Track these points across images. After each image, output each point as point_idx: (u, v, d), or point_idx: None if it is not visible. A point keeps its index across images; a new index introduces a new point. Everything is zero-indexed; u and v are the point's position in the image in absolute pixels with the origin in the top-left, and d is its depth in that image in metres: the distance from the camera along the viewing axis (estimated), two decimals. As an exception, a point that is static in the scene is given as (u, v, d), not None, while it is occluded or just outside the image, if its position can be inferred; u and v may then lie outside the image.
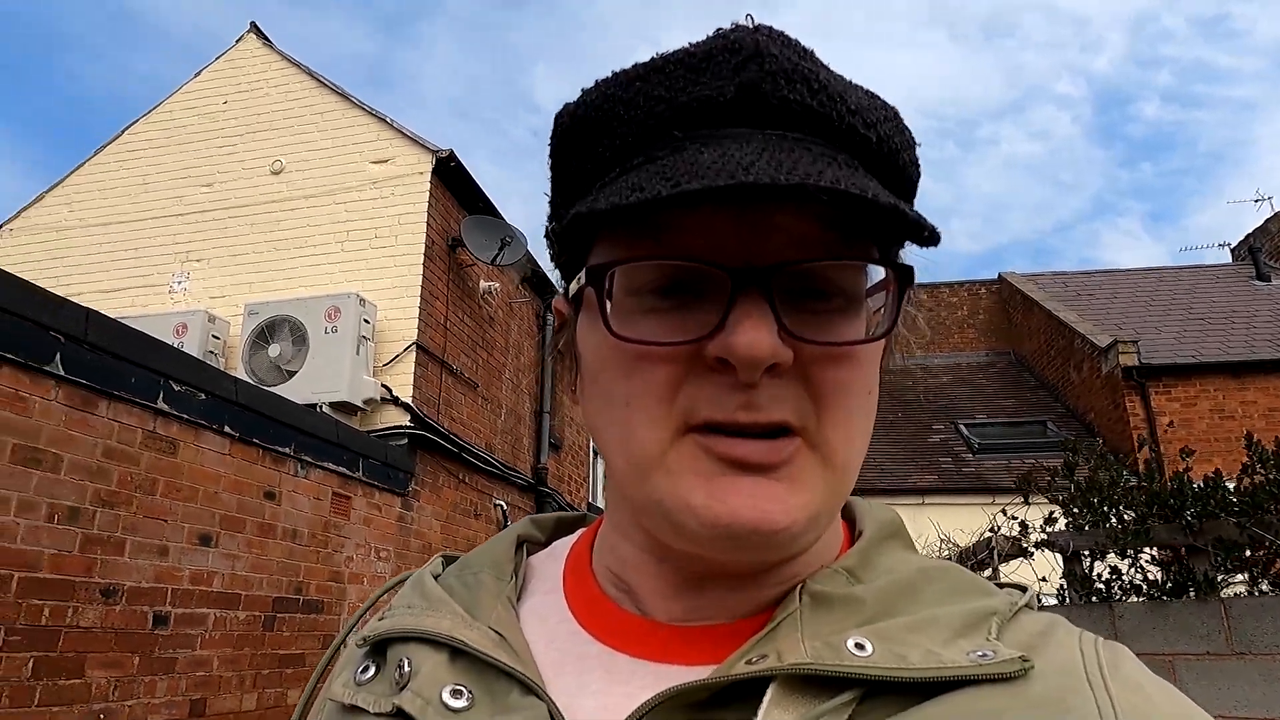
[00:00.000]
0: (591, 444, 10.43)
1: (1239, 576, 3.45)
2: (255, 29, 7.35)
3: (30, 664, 2.96)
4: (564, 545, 0.58)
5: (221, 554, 3.90)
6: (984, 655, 0.41)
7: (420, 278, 6.09)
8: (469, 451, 6.48)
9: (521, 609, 0.52)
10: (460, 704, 0.44)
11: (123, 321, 4.36)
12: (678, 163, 0.39)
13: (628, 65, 0.45)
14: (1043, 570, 4.03)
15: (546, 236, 0.51)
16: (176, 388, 3.70)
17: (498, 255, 6.51)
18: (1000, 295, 15.25)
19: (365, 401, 5.59)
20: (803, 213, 0.41)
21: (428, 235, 6.24)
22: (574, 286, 0.47)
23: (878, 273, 0.44)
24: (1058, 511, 3.95)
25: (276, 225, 6.55)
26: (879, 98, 0.47)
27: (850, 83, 0.45)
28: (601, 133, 0.44)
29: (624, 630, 0.48)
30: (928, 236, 0.40)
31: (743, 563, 0.45)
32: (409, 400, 5.77)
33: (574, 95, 0.48)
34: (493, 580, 0.53)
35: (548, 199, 0.51)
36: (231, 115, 7.08)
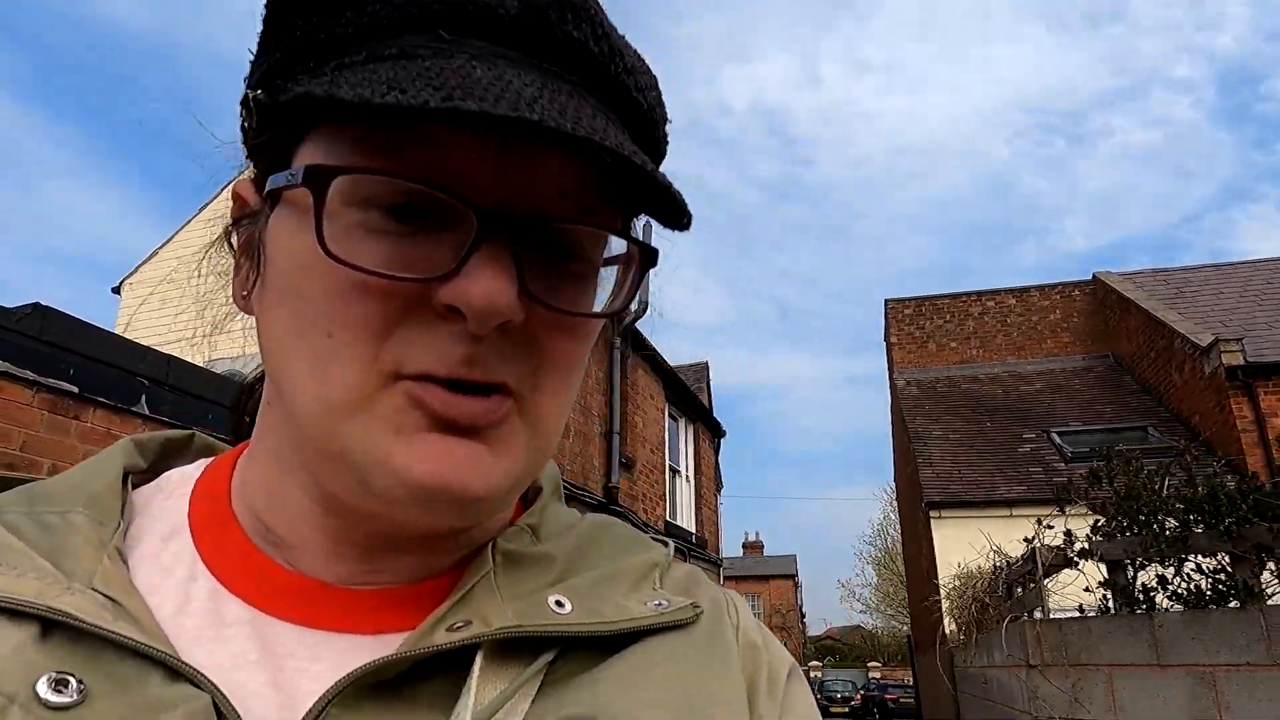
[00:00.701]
0: (668, 462, 10.62)
1: (1290, 584, 3.31)
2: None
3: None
4: (181, 477, 0.48)
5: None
6: (659, 604, 0.44)
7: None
8: (535, 473, 6.78)
9: (131, 558, 0.41)
10: (65, 698, 0.33)
11: (221, 360, 4.84)
12: (446, 71, 0.34)
13: None
14: (1097, 579, 3.95)
15: (244, 105, 0.41)
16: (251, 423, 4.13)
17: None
18: (1095, 296, 14.59)
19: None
20: (561, 160, 0.37)
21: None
22: (277, 181, 0.39)
23: (618, 245, 0.42)
24: (1103, 520, 3.87)
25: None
26: (646, 63, 0.44)
27: (625, 40, 0.42)
28: (351, 2, 0.37)
29: (277, 590, 0.41)
30: (685, 223, 0.39)
31: (428, 526, 0.40)
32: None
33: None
34: (89, 523, 0.41)
35: (251, 58, 0.42)
36: (314, 168, 7.73)
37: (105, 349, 3.46)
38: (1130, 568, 3.72)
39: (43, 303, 3.22)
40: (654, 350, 10.14)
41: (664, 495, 10.26)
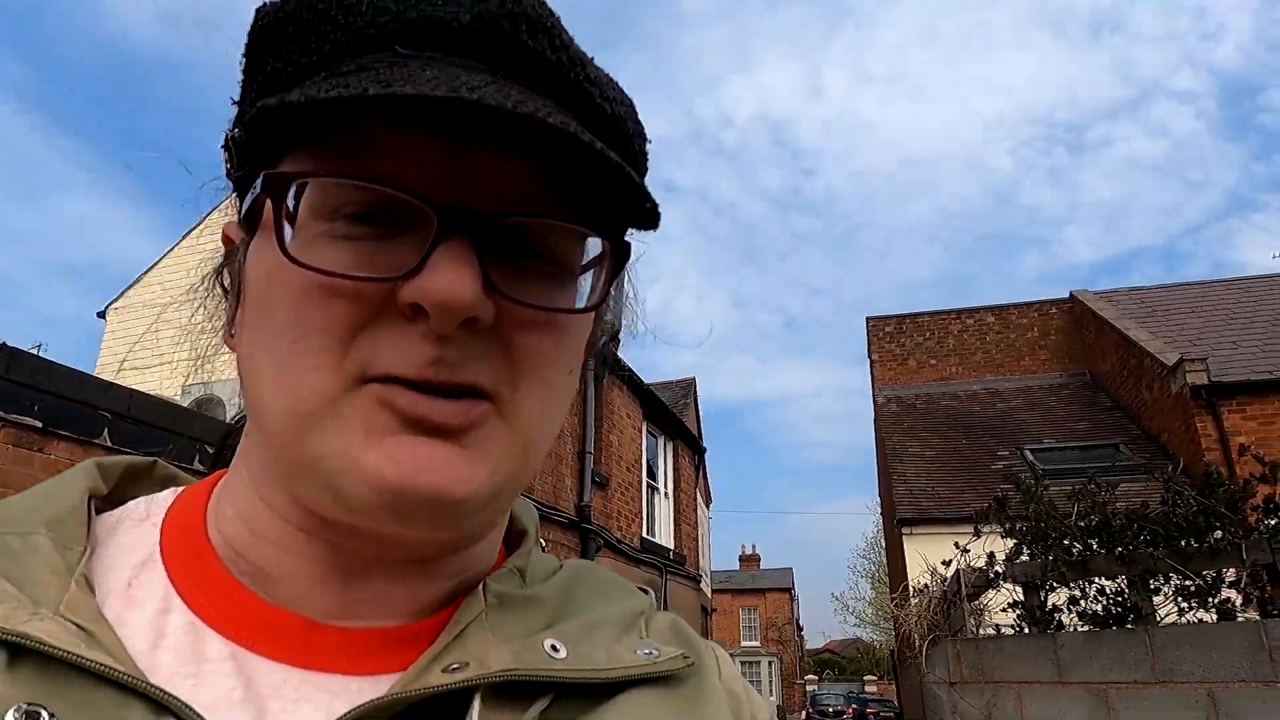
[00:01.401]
0: (645, 480, 10.83)
1: (1185, 605, 3.52)
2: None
3: None
4: (150, 506, 0.46)
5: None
6: (649, 653, 0.43)
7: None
8: (503, 493, 7.00)
9: (99, 588, 0.39)
10: None
11: (200, 385, 5.02)
12: (394, 73, 0.35)
13: None
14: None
15: (225, 146, 0.43)
16: (211, 450, 4.35)
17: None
18: (1073, 314, 14.81)
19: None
20: (521, 165, 0.38)
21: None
22: (248, 201, 0.41)
23: (595, 249, 0.42)
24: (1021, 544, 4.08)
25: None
26: (616, 83, 0.44)
27: (592, 60, 0.42)
28: (309, 33, 0.39)
29: (259, 625, 0.39)
30: (650, 209, 0.38)
31: (411, 540, 0.39)
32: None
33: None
34: (54, 547, 0.39)
35: (234, 105, 0.44)
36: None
37: (69, 385, 3.68)
38: (1041, 590, 3.92)
39: (9, 343, 3.45)
40: (630, 370, 10.36)
41: (640, 512, 10.45)
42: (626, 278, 0.50)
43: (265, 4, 0.40)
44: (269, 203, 0.37)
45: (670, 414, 11.70)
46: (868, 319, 16.60)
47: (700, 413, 17.26)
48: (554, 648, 0.40)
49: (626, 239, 0.42)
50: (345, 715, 0.35)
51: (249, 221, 0.41)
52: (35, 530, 0.39)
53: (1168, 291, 13.76)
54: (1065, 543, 3.79)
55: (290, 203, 0.37)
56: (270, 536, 0.41)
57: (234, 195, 0.46)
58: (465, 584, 0.44)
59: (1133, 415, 12.21)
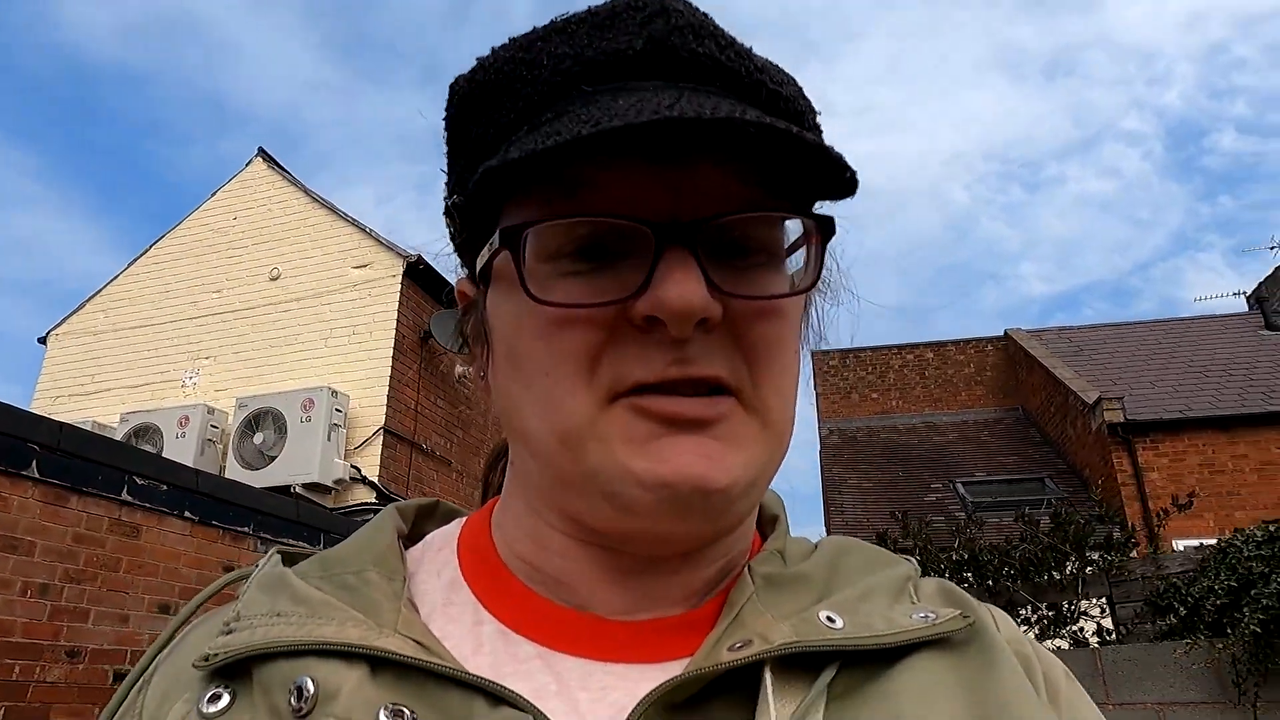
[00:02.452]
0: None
1: (1046, 635, 3.83)
2: (263, 153, 8.45)
3: (2, 712, 3.70)
4: (444, 537, 0.52)
5: (180, 620, 4.63)
6: (925, 616, 0.42)
7: (389, 368, 6.89)
8: (438, 523, 7.17)
9: (421, 609, 0.45)
10: None
11: (138, 413, 5.12)
12: (592, 110, 0.37)
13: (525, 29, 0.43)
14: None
15: (446, 214, 0.48)
16: (140, 481, 4.49)
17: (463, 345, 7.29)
18: (1007, 352, 15.40)
19: (335, 482, 6.35)
20: (722, 169, 0.40)
21: (398, 331, 7.07)
22: (483, 257, 0.44)
23: (796, 230, 0.44)
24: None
25: (272, 325, 7.50)
26: (781, 67, 0.46)
27: (751, 49, 0.45)
28: (504, 95, 0.43)
29: (560, 628, 0.44)
30: (849, 179, 0.40)
31: (680, 536, 0.42)
32: (375, 480, 6.51)
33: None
34: (383, 580, 0.45)
35: (444, 175, 0.48)
36: (240, 229, 8.14)
37: (-1, 418, 3.83)
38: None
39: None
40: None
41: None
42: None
43: (457, 79, 0.45)
44: (504, 254, 0.41)
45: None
46: (813, 353, 16.85)
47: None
48: (830, 619, 0.42)
49: (829, 215, 0.44)
50: (650, 693, 0.38)
51: (483, 276, 0.46)
52: (365, 568, 0.46)
53: (1095, 331, 14.39)
54: (945, 575, 4.10)
55: (523, 248, 0.40)
56: (555, 549, 0.45)
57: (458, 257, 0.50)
58: (728, 571, 0.46)
59: (1059, 450, 12.72)
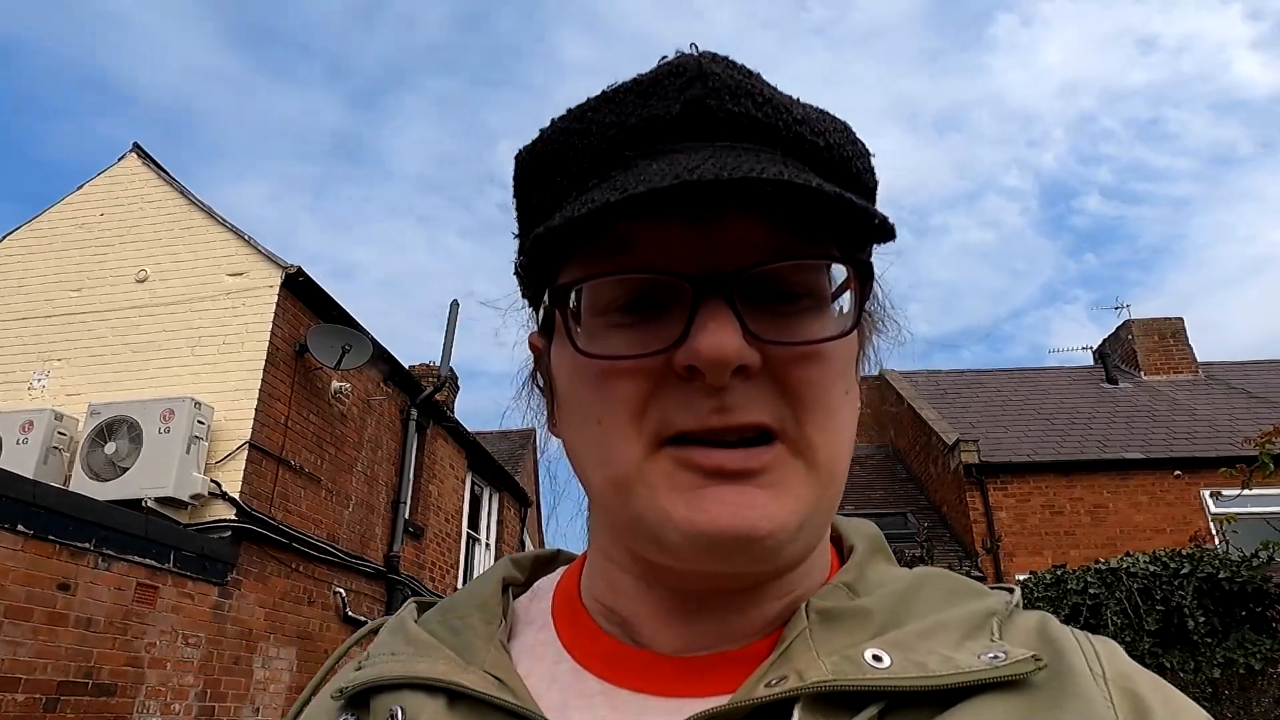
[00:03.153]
0: (466, 530, 10.92)
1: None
2: (137, 149, 8.10)
3: None
4: (548, 583, 0.57)
5: (3, 641, 4.36)
6: (995, 657, 0.41)
7: (260, 381, 6.70)
8: (302, 541, 6.97)
9: (513, 650, 0.50)
10: None
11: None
12: (628, 176, 0.41)
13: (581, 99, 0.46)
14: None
15: (516, 273, 0.52)
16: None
17: (340, 360, 7.17)
18: (881, 391, 16.23)
19: (192, 497, 6.10)
20: (754, 219, 0.42)
21: (272, 343, 6.88)
22: (541, 313, 0.50)
23: (841, 274, 0.45)
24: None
25: (135, 330, 7.16)
26: (829, 113, 0.47)
27: (797, 100, 0.46)
28: (558, 163, 0.46)
29: (624, 664, 0.47)
30: (879, 225, 0.40)
31: (731, 577, 0.44)
32: (236, 496, 6.30)
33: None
34: (481, 623, 0.51)
35: (515, 238, 0.52)
36: (106, 226, 7.75)
37: None
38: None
39: None
40: (456, 421, 10.51)
41: (457, 563, 10.52)
42: (880, 292, 0.54)
43: (520, 150, 0.49)
44: (558, 312, 0.45)
45: (496, 465, 11.88)
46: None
47: (539, 465, 17.44)
48: (876, 657, 0.41)
49: (868, 259, 0.46)
50: None
51: (546, 329, 0.51)
52: (470, 613, 0.52)
53: (961, 375, 15.34)
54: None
55: (573, 306, 0.44)
56: (624, 591, 0.48)
57: (530, 309, 0.55)
58: (794, 605, 0.46)
59: (922, 487, 13.48)
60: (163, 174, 8.00)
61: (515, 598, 0.56)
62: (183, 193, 7.82)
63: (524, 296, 0.54)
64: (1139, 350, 14.66)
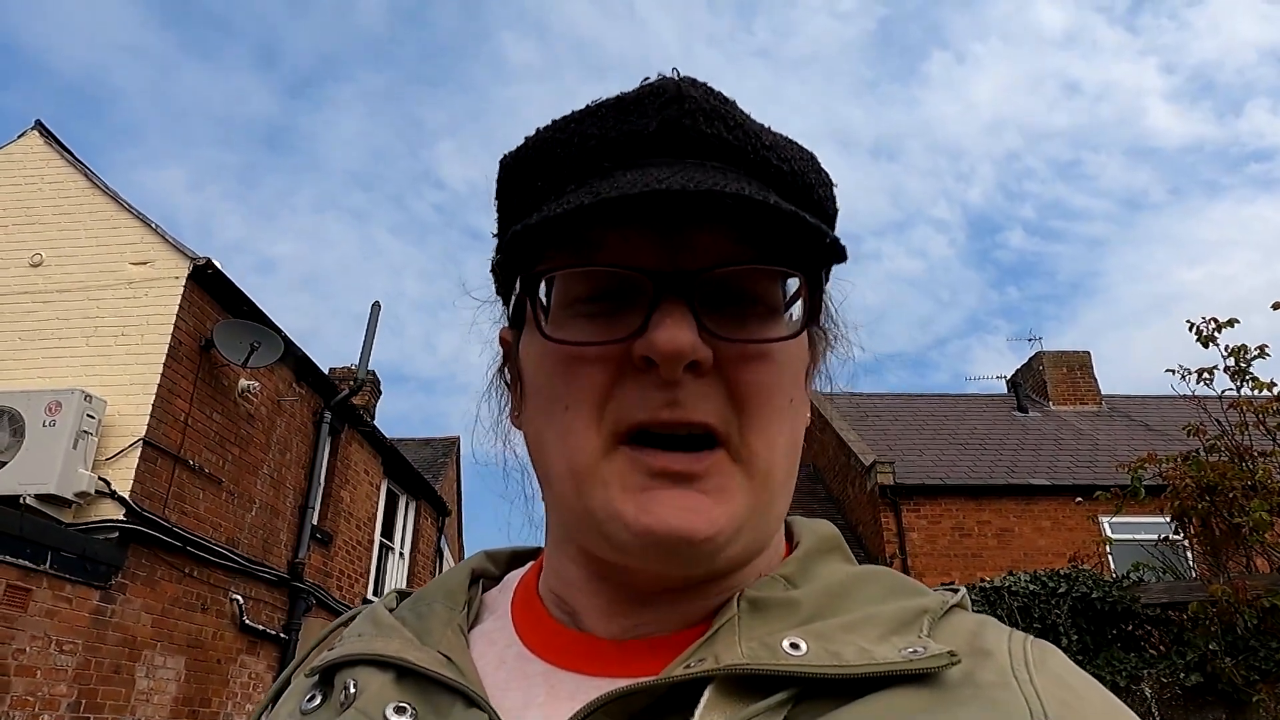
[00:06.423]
0: (379, 539, 10.61)
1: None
2: (40, 126, 7.68)
3: None
4: (515, 576, 0.60)
5: None
6: (914, 651, 0.41)
7: (159, 376, 6.39)
8: (198, 545, 6.66)
9: (472, 636, 0.53)
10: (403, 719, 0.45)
11: None
12: (604, 184, 0.44)
13: (565, 112, 0.50)
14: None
15: (491, 271, 0.55)
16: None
17: (248, 358, 6.90)
18: (804, 411, 16.48)
19: (77, 495, 5.77)
20: (719, 232, 0.45)
21: (175, 336, 6.58)
22: (513, 305, 0.53)
23: (794, 286, 0.48)
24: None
25: (26, 316, 6.76)
26: (797, 143, 0.51)
27: (768, 128, 0.50)
28: (540, 169, 0.49)
29: (565, 648, 0.49)
30: (830, 245, 0.43)
31: (675, 575, 0.46)
32: (126, 495, 5.98)
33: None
34: (444, 609, 0.54)
35: (494, 237, 0.55)
36: (0, 206, 7.31)
37: None
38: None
39: None
40: (373, 426, 10.24)
41: (367, 572, 10.22)
42: (832, 308, 0.57)
43: (505, 155, 0.52)
44: (529, 300, 0.48)
45: (414, 472, 11.61)
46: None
47: (461, 473, 17.15)
48: (793, 645, 0.42)
49: (819, 272, 0.50)
50: (596, 699, 0.42)
51: (516, 323, 0.54)
52: (436, 600, 0.55)
53: (882, 399, 15.69)
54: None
55: (542, 297, 0.48)
56: (571, 580, 0.51)
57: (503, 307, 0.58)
58: (732, 595, 0.48)
59: (840, 506, 13.71)
60: (66, 154, 7.61)
61: (488, 590, 0.59)
62: (86, 175, 7.45)
63: (498, 293, 0.57)
64: (1049, 381, 15.25)
